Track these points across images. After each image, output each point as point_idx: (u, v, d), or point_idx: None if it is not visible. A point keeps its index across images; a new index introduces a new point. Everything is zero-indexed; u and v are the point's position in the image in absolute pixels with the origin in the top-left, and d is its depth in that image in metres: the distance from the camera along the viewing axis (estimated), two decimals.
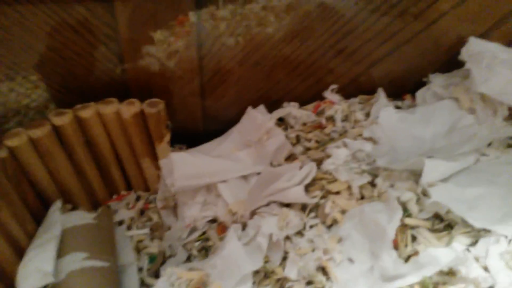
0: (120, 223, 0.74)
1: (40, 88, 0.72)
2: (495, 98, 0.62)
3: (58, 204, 0.69)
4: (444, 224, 0.54)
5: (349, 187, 0.62)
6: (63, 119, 0.66)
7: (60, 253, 0.60)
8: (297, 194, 0.61)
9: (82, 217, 0.67)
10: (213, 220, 0.70)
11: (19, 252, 0.61)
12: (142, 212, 0.76)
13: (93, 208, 0.76)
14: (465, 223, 0.52)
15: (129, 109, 0.68)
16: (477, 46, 0.67)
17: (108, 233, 0.68)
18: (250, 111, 0.77)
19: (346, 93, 0.79)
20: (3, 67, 0.68)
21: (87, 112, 0.68)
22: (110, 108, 0.69)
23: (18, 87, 0.70)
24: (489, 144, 0.61)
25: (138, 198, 0.78)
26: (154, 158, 0.74)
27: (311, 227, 0.60)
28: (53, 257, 0.58)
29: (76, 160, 0.71)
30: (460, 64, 0.71)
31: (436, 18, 0.71)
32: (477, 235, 0.51)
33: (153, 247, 0.69)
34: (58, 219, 0.65)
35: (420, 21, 0.71)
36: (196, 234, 0.69)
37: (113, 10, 0.66)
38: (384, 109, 0.71)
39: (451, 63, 0.74)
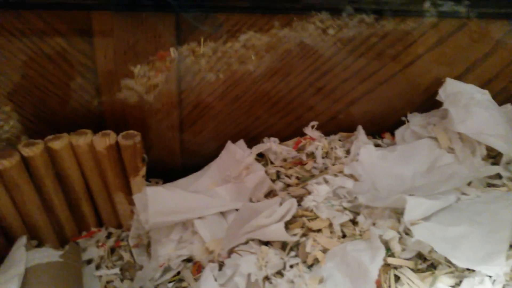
0: (89, 262, 0.70)
1: (13, 119, 0.70)
2: (473, 137, 0.63)
3: (23, 240, 0.65)
4: (427, 263, 0.53)
5: (330, 225, 0.60)
6: (33, 150, 0.63)
7: None
8: (277, 232, 0.59)
9: (48, 255, 0.63)
10: (189, 259, 0.67)
11: None
12: (112, 250, 0.72)
13: (60, 245, 0.71)
14: (449, 263, 0.51)
15: (103, 141, 0.66)
16: (453, 87, 0.69)
17: (75, 272, 0.64)
18: (229, 146, 0.76)
19: (326, 130, 0.79)
20: None
21: (59, 143, 0.65)
22: (83, 139, 0.66)
23: None
24: (469, 183, 0.61)
25: (109, 235, 0.75)
26: (128, 192, 0.71)
27: (291, 266, 0.58)
28: None
29: (45, 194, 0.67)
30: (437, 104, 0.72)
31: (412, 60, 0.73)
32: (460, 275, 0.50)
33: None
34: (22, 256, 0.61)
35: (396, 63, 0.73)
36: (170, 274, 0.65)
37: (92, 41, 0.66)
38: (364, 147, 0.71)
39: (428, 103, 0.75)
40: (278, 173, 0.74)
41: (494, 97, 0.70)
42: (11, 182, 0.63)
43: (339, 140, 0.77)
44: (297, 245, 0.60)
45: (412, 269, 0.52)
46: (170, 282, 0.65)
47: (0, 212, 0.64)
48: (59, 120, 0.72)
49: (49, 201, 0.68)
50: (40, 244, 0.69)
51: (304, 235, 0.60)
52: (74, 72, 0.68)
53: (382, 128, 0.79)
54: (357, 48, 0.71)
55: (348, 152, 0.74)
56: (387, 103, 0.77)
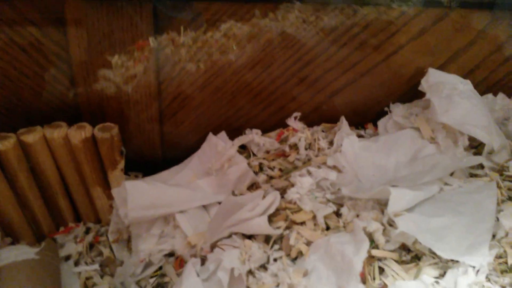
0: (67, 258, 0.68)
1: None
2: (456, 128, 0.63)
3: None
4: (411, 255, 0.52)
5: (314, 217, 0.60)
6: (5, 144, 0.61)
7: None
8: (260, 225, 0.58)
9: (23, 252, 0.61)
10: (170, 254, 0.65)
11: None
12: (91, 246, 0.70)
13: (37, 241, 0.70)
14: (433, 254, 0.51)
15: (79, 133, 0.64)
16: (436, 77, 0.69)
17: (52, 270, 0.62)
18: (211, 138, 0.75)
19: (309, 121, 0.78)
20: None
21: (32, 136, 0.63)
22: (57, 132, 0.64)
23: None
24: (452, 174, 0.61)
25: (87, 231, 0.73)
26: (106, 187, 0.70)
27: (275, 260, 0.57)
28: None
29: (19, 189, 0.65)
30: (419, 95, 0.72)
31: (395, 50, 0.73)
32: (445, 266, 0.50)
33: (103, 285, 0.63)
34: None
35: (379, 53, 0.73)
36: (151, 270, 0.64)
37: (66, 31, 0.63)
38: (347, 138, 0.70)
39: (410, 93, 0.75)
40: (261, 165, 0.73)
41: (476, 87, 0.71)
42: None
43: (322, 131, 0.77)
44: (280, 238, 0.59)
45: (396, 261, 0.52)
46: (151, 277, 0.63)
47: None
48: (32, 112, 0.69)
49: (24, 196, 0.66)
50: (15, 241, 0.67)
51: (287, 228, 0.60)
52: (47, 63, 0.66)
53: (365, 118, 0.79)
54: (340, 38, 0.71)
55: (331, 143, 0.73)
56: (370, 94, 0.77)
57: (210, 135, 0.76)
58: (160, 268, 0.64)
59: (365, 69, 0.74)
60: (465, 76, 0.71)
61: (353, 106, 0.78)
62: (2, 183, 0.62)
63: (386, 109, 0.76)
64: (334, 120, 0.78)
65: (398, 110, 0.73)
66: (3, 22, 0.61)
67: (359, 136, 0.74)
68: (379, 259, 0.53)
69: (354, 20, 0.69)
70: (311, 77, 0.74)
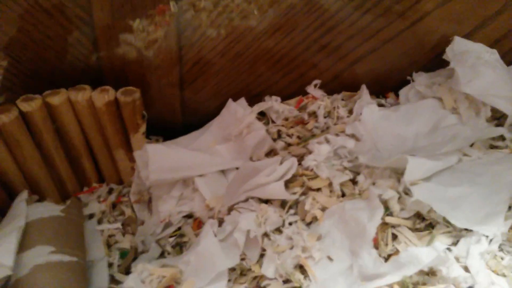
0: (91, 216, 0.71)
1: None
2: (479, 98, 0.62)
3: (24, 194, 0.66)
4: (425, 223, 0.53)
5: (330, 184, 0.60)
6: (31, 105, 0.63)
7: (25, 246, 0.57)
8: (277, 190, 0.60)
9: (49, 209, 0.63)
10: (189, 216, 0.68)
11: None
12: (114, 206, 0.73)
13: (62, 200, 0.73)
14: (447, 223, 0.51)
15: (102, 97, 0.65)
16: (461, 46, 0.67)
17: (76, 227, 0.65)
18: (230, 104, 0.75)
19: (329, 89, 0.77)
20: None
21: (57, 98, 0.64)
22: (81, 95, 0.65)
23: None
24: (472, 145, 0.60)
25: (110, 191, 0.75)
26: (129, 149, 0.71)
27: (290, 224, 0.58)
28: (13, 250, 0.55)
29: (45, 149, 0.67)
30: (443, 64, 0.71)
31: (420, 17, 0.70)
32: (458, 235, 0.50)
33: (125, 242, 0.66)
34: (23, 211, 0.61)
35: (404, 20, 0.71)
36: (170, 230, 0.66)
37: None
38: (367, 107, 0.70)
39: (434, 62, 0.73)
40: (279, 132, 0.73)
41: (503, 57, 0.68)
42: (11, 137, 0.63)
43: (342, 100, 0.76)
44: (296, 203, 0.60)
45: (410, 228, 0.53)
46: (171, 237, 0.66)
47: (1, 168, 0.64)
48: (57, 75, 0.71)
49: (50, 156, 0.68)
50: (41, 199, 0.70)
51: (303, 193, 0.61)
52: (71, 26, 0.66)
53: (387, 87, 0.78)
54: (363, 3, 0.69)
55: (350, 111, 0.73)
56: (392, 62, 0.75)
57: (230, 101, 0.76)
58: (179, 228, 0.66)
59: (388, 36, 0.72)
60: (492, 46, 0.69)
61: (374, 74, 0.77)
62: (28, 143, 0.65)
63: (408, 78, 0.75)
64: (354, 88, 0.77)
65: (421, 79, 0.72)
66: None
67: (380, 105, 0.73)
68: (393, 226, 0.53)
69: None
70: (332, 44, 0.73)
